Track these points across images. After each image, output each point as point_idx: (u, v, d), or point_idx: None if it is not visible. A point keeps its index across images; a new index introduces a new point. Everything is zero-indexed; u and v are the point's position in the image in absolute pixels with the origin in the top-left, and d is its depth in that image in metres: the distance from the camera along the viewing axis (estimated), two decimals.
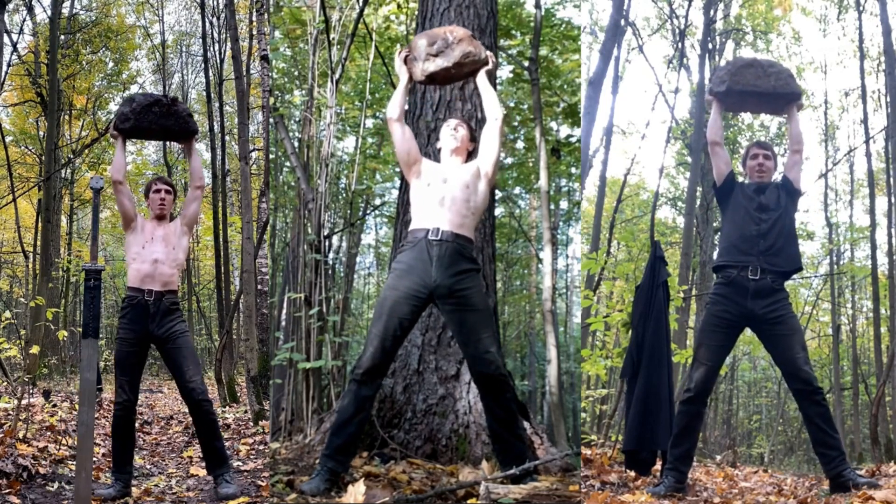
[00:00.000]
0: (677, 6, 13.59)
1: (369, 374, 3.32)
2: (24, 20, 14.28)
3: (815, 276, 17.12)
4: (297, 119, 9.20)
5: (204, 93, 14.26)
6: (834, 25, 17.04)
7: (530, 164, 11.61)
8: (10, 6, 12.62)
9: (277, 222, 11.50)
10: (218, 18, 14.36)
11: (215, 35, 14.36)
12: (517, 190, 13.91)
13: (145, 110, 3.91)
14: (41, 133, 14.42)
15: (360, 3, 6.03)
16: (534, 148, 10.21)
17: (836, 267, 17.01)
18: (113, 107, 16.34)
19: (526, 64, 8.07)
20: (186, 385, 3.81)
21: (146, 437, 6.14)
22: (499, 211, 13.32)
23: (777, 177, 4.10)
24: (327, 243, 5.48)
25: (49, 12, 12.75)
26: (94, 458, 4.40)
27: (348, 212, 8.27)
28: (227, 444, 5.40)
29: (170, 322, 3.85)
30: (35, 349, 6.45)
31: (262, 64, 8.01)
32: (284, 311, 8.62)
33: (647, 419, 4.46)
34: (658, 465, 4.50)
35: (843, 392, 15.20)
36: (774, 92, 3.93)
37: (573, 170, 12.11)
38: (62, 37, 13.69)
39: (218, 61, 14.37)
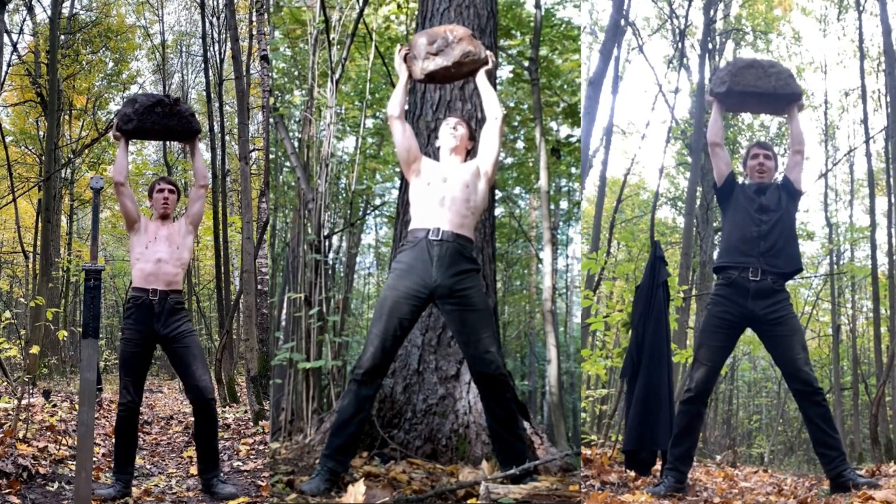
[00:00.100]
0: (677, 6, 13.60)
1: (369, 374, 3.32)
2: (24, 20, 14.30)
3: (815, 276, 17.12)
4: (297, 119, 9.20)
5: (204, 93, 14.27)
6: (834, 25, 17.04)
7: (530, 164, 11.61)
8: (10, 6, 12.62)
9: (277, 222, 11.50)
10: (218, 18, 14.36)
11: (215, 35, 14.36)
12: (517, 190, 13.91)
13: (148, 111, 3.90)
14: (41, 133, 14.41)
15: (360, 3, 6.03)
16: (534, 148, 10.21)
17: (836, 267, 17.02)
18: (113, 107, 16.35)
19: (526, 64, 8.07)
20: (195, 385, 3.80)
21: (146, 437, 6.14)
22: (499, 211, 13.32)
23: (778, 177, 4.10)
24: (327, 243, 5.48)
25: (49, 12, 12.75)
26: (94, 458, 4.40)
27: (348, 212, 8.27)
28: (227, 444, 5.43)
29: (176, 322, 3.84)
30: (35, 349, 6.45)
31: (262, 64, 8.00)
32: (284, 311, 8.62)
33: (647, 419, 4.47)
34: (658, 465, 4.50)
35: (843, 392, 15.19)
36: (775, 92, 3.93)
37: (573, 170, 12.11)
38: (62, 37, 13.69)
39: (218, 61, 14.37)
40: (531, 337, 16.14)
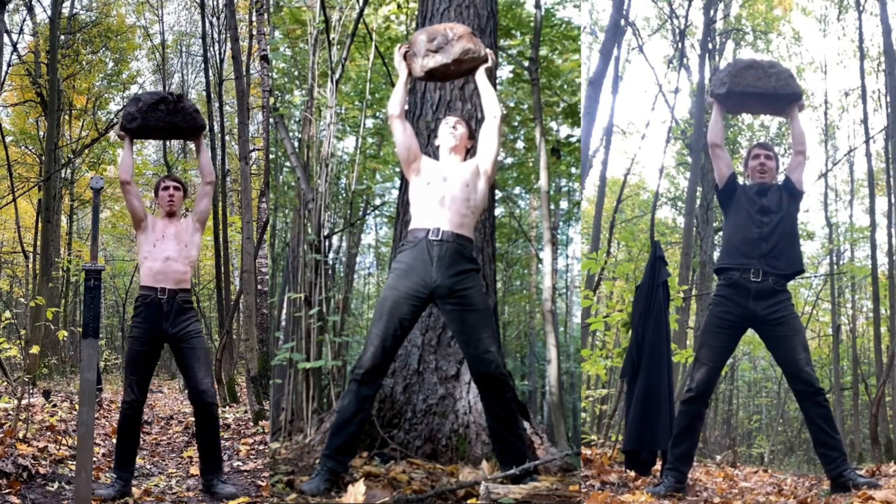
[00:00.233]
0: (677, 6, 13.59)
1: (369, 374, 3.32)
2: (24, 20, 14.29)
3: (815, 277, 17.12)
4: (297, 119, 9.20)
5: (204, 93, 14.25)
6: (834, 25, 17.04)
7: (530, 164, 11.61)
8: (10, 6, 12.62)
9: (277, 222, 11.50)
10: (218, 18, 14.35)
11: (215, 35, 14.35)
12: (517, 190, 13.91)
13: (152, 109, 3.89)
14: (41, 133, 14.41)
15: (360, 3, 6.03)
16: (534, 148, 10.21)
17: (836, 267, 17.02)
18: (113, 107, 16.34)
19: (526, 64, 8.07)
20: (197, 387, 3.80)
21: (146, 437, 6.14)
22: (499, 211, 13.33)
23: (779, 178, 4.10)
24: (327, 243, 5.47)
25: (49, 12, 12.74)
26: (94, 458, 4.39)
27: (348, 212, 8.27)
28: (227, 444, 5.43)
29: (184, 321, 3.83)
30: (35, 349, 6.45)
31: (262, 64, 8.00)
32: (284, 311, 8.62)
33: (647, 419, 4.47)
34: (658, 465, 4.50)
35: (843, 392, 15.19)
36: (775, 93, 3.93)
37: (573, 170, 12.11)
38: (62, 37, 13.68)
39: (218, 61, 14.36)
40: (531, 337, 16.14)
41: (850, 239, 16.82)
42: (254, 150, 11.87)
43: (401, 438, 4.29)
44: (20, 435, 4.68)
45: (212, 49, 13.98)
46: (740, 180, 4.14)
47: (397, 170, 10.28)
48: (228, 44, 12.45)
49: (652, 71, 24.29)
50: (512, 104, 11.00)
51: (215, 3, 14.31)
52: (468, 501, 3.11)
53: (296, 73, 9.88)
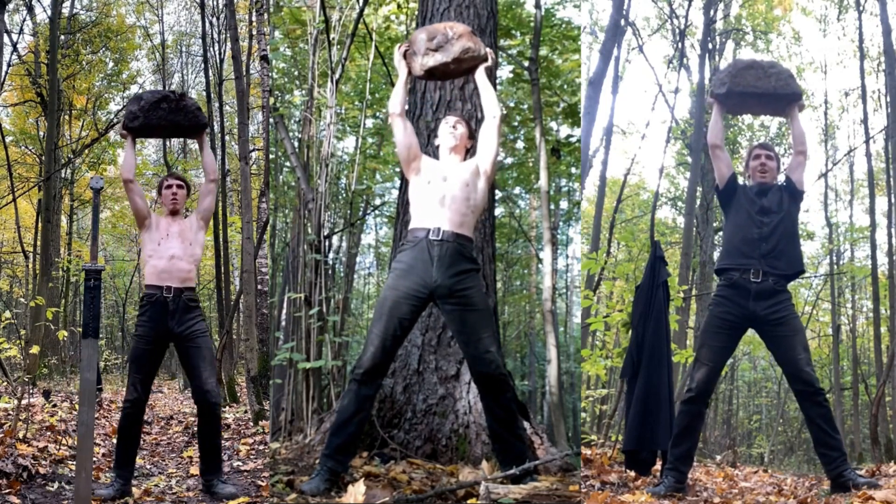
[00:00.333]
0: (677, 6, 13.59)
1: (369, 374, 3.32)
2: (24, 20, 14.29)
3: (815, 277, 17.12)
4: (297, 119, 9.20)
5: (204, 93, 14.24)
6: (834, 25, 17.03)
7: (530, 164, 11.61)
8: (10, 6, 12.62)
9: (277, 222, 11.50)
10: (218, 18, 14.34)
11: (215, 35, 14.34)
12: (517, 190, 13.91)
13: (153, 107, 3.88)
14: (41, 133, 14.40)
15: (360, 3, 6.03)
16: (534, 148, 10.21)
17: (836, 267, 17.02)
18: (113, 107, 16.33)
19: (526, 64, 8.07)
20: (201, 387, 3.80)
21: (146, 437, 6.14)
22: (499, 211, 13.33)
23: (780, 178, 4.10)
24: (327, 243, 5.47)
25: (49, 12, 12.74)
26: (94, 458, 4.39)
27: (348, 212, 8.27)
28: (227, 443, 5.43)
29: (190, 320, 3.83)
30: (35, 349, 6.45)
31: (262, 64, 8.00)
32: (284, 311, 8.62)
33: (647, 419, 4.47)
34: (658, 465, 4.50)
35: (843, 392, 15.19)
36: (775, 93, 3.93)
37: (573, 170, 12.11)
38: (62, 37, 13.68)
39: (218, 61, 14.35)
40: (531, 337, 16.14)
41: (850, 239, 16.82)
42: (254, 150, 11.87)
43: (401, 438, 4.29)
44: (20, 435, 4.68)
45: (212, 49, 13.98)
46: (741, 181, 4.14)
47: (397, 170, 10.28)
48: (228, 44, 12.45)
49: (652, 71, 24.31)
50: (512, 104, 11.00)
51: (215, 3, 14.31)
52: (468, 501, 3.11)
53: (296, 73, 9.88)
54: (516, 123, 10.90)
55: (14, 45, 13.12)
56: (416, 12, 5.86)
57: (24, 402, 5.19)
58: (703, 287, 12.47)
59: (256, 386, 6.61)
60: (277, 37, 8.50)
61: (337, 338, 5.18)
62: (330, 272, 5.76)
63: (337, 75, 5.55)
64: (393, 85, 3.69)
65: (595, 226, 12.28)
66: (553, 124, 12.02)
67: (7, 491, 3.60)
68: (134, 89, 16.40)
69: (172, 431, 6.62)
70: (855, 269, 14.89)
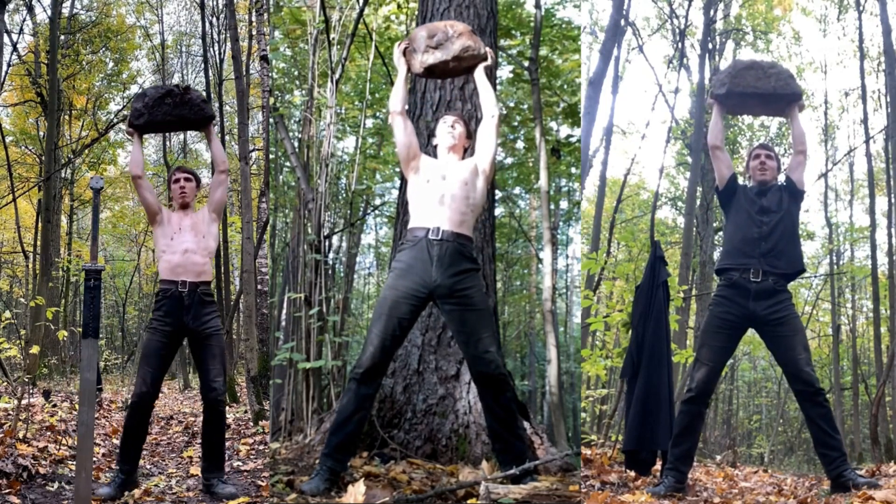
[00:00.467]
0: (677, 6, 13.60)
1: (369, 374, 3.32)
2: (24, 20, 14.29)
3: (815, 277, 17.12)
4: (297, 119, 9.20)
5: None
6: (834, 25, 17.05)
7: (530, 164, 11.61)
8: (10, 6, 12.62)
9: (277, 222, 11.50)
10: (218, 18, 14.35)
11: (215, 35, 14.35)
12: (517, 190, 13.92)
13: (157, 103, 3.87)
14: (41, 133, 14.41)
15: (360, 3, 6.03)
16: (534, 148, 10.21)
17: (836, 267, 17.02)
18: (113, 107, 16.34)
19: (526, 64, 8.07)
20: (209, 384, 3.79)
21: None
22: (499, 211, 13.33)
23: (780, 178, 4.10)
24: (327, 243, 5.48)
25: (49, 12, 12.74)
26: (94, 458, 4.39)
27: (348, 212, 8.27)
28: (227, 443, 5.42)
29: (206, 316, 3.81)
30: (35, 349, 6.44)
31: (261, 64, 8.01)
32: (284, 311, 8.62)
33: (647, 419, 4.47)
34: (658, 465, 4.50)
35: (843, 392, 15.20)
36: (775, 93, 3.93)
37: (573, 170, 12.11)
38: (62, 37, 13.68)
39: (218, 61, 14.35)
40: (531, 337, 16.14)
41: (850, 239, 16.82)
42: (254, 150, 11.87)
43: (401, 438, 4.29)
44: (20, 435, 4.68)
45: (212, 49, 13.98)
46: (741, 181, 4.15)
47: (397, 170, 10.28)
48: (228, 44, 12.45)
49: (652, 71, 24.32)
50: (512, 104, 11.00)
51: (215, 3, 14.31)
52: (468, 501, 3.11)
53: (296, 73, 9.88)
54: (516, 123, 10.90)
55: (14, 45, 13.13)
56: (416, 12, 5.86)
57: (24, 402, 5.19)
58: (703, 287, 12.47)
59: (256, 386, 6.61)
60: (277, 37, 8.51)
61: (337, 338, 5.18)
62: (330, 272, 5.76)
63: (337, 75, 5.55)
64: (393, 84, 3.69)
65: (595, 226, 12.29)
66: (553, 124, 12.03)
67: (7, 491, 3.60)
68: (134, 89, 16.41)
69: (172, 431, 6.62)
70: (855, 269, 14.90)
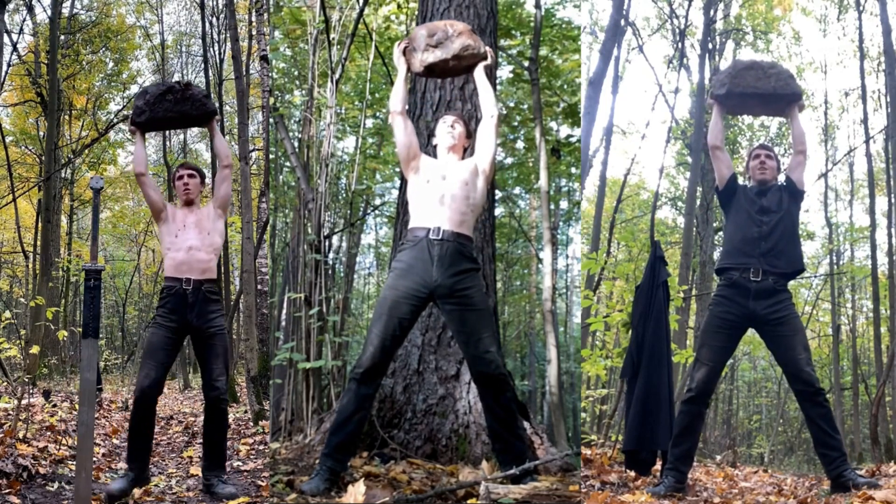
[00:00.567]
0: (677, 6, 13.60)
1: (369, 374, 3.31)
2: (24, 20, 14.29)
3: (815, 277, 17.12)
4: (297, 119, 9.20)
5: None
6: (834, 25, 17.05)
7: (530, 164, 11.61)
8: (10, 6, 12.62)
9: (277, 222, 11.50)
10: (218, 18, 14.35)
11: (215, 35, 14.35)
12: (517, 190, 13.92)
13: (159, 100, 3.85)
14: (41, 133, 14.41)
15: (360, 3, 6.03)
16: (534, 148, 10.21)
17: (836, 267, 17.02)
18: (113, 107, 16.34)
19: (526, 64, 8.07)
20: (212, 383, 3.79)
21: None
22: (499, 211, 13.33)
23: (780, 178, 4.10)
24: (327, 243, 5.48)
25: (49, 12, 12.74)
26: (94, 458, 4.39)
27: (348, 212, 8.26)
28: (227, 443, 5.42)
29: (210, 314, 3.80)
30: (35, 349, 6.44)
31: (261, 64, 8.01)
32: (284, 311, 8.62)
33: (647, 419, 4.47)
34: (658, 465, 4.50)
35: (843, 392, 15.20)
36: (775, 93, 3.93)
37: (573, 170, 12.11)
38: (62, 37, 13.68)
39: (218, 61, 14.35)
40: (531, 337, 16.14)
41: (850, 239, 16.83)
42: (254, 150, 11.88)
43: (401, 438, 4.29)
44: (20, 435, 4.68)
45: (212, 49, 13.98)
46: (741, 181, 4.15)
47: (397, 170, 10.28)
48: (228, 44, 12.45)
49: (652, 71, 24.32)
50: (512, 104, 11.00)
51: (215, 3, 14.32)
52: (468, 501, 3.11)
53: (296, 73, 9.89)
54: (516, 123, 10.90)
55: (14, 45, 13.13)
56: (416, 12, 5.86)
57: (24, 402, 5.19)
58: (703, 287, 12.48)
59: (256, 386, 6.61)
60: (277, 37, 8.51)
61: (337, 338, 5.18)
62: (330, 272, 5.76)
63: (337, 75, 5.55)
64: (393, 84, 3.69)
65: (595, 226, 12.29)
66: (553, 124, 12.03)
67: (7, 491, 3.60)
68: (134, 89, 16.41)
69: (172, 431, 6.62)
70: (855, 269, 14.89)
